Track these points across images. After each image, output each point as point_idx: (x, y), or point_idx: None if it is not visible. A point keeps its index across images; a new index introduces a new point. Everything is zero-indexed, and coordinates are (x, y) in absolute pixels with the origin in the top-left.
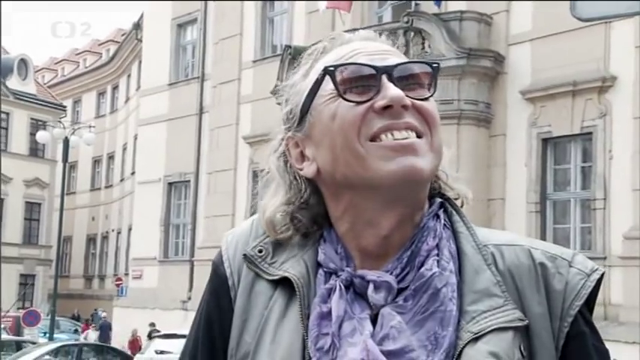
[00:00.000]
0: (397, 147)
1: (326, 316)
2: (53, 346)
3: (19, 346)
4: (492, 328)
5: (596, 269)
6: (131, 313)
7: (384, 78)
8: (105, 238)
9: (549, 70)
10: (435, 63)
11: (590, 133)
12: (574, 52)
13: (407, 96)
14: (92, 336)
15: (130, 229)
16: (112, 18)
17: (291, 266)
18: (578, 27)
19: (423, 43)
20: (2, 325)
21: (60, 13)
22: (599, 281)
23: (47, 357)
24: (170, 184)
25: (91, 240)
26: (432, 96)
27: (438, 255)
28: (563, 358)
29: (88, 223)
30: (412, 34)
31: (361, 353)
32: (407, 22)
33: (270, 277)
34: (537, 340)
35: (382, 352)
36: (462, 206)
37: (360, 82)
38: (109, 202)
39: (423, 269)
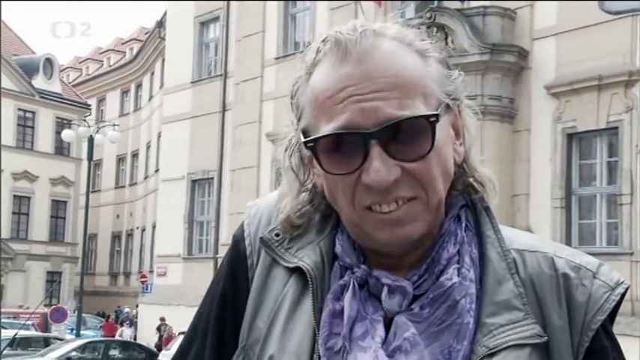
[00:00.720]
0: (389, 221)
1: (338, 314)
2: (80, 342)
3: (46, 342)
4: (509, 344)
5: (622, 282)
6: (156, 310)
7: (372, 143)
8: (129, 235)
9: (574, 64)
10: (433, 116)
11: (617, 128)
12: (599, 46)
13: (397, 158)
14: (127, 333)
15: (154, 227)
16: (113, 18)
17: (307, 255)
18: (604, 20)
19: (445, 39)
20: (30, 322)
21: (76, 12)
22: (623, 295)
23: (74, 353)
24: (194, 181)
25: (115, 237)
26: (432, 149)
27: (458, 262)
28: None
29: (113, 220)
30: (435, 30)
31: None
32: (429, 18)
33: (286, 264)
34: (556, 355)
35: None
36: None
37: (346, 145)
38: (133, 200)
39: (442, 278)
